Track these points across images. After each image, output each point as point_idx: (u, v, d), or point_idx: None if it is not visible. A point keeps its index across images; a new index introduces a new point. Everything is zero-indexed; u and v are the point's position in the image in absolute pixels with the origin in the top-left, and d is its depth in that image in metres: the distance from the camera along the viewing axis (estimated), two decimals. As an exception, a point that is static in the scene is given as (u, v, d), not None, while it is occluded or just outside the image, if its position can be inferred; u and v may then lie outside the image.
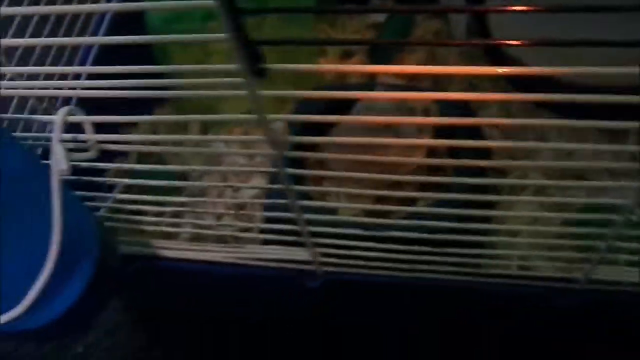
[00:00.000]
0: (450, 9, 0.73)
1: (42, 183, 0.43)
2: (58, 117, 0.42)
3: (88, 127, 0.44)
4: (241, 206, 0.68)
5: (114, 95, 0.40)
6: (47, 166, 0.44)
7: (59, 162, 0.40)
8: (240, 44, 0.32)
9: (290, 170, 0.42)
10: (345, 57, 0.76)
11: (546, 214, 0.58)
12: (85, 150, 0.45)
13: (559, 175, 0.64)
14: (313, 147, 0.49)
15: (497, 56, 0.66)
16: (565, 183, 0.52)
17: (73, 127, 0.43)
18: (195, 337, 0.71)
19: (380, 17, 0.79)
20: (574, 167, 0.63)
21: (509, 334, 0.61)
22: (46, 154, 0.54)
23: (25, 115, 0.46)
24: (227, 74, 0.36)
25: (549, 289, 0.50)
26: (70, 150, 0.43)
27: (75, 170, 0.44)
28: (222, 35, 0.32)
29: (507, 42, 0.42)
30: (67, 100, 0.65)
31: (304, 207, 0.47)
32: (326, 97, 0.38)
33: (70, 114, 0.43)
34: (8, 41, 0.46)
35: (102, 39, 0.62)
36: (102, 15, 0.72)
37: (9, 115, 0.48)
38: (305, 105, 0.64)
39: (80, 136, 0.43)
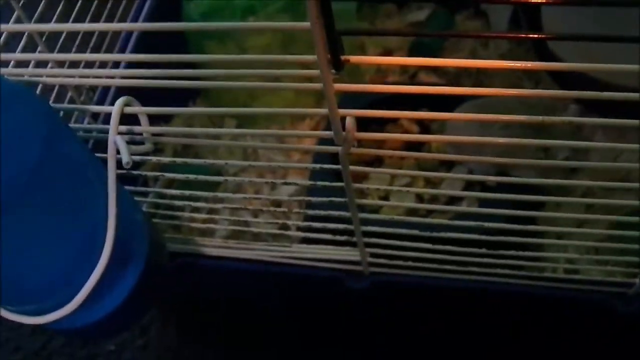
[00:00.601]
0: (492, 0, 0.71)
1: (97, 176, 0.42)
2: (115, 108, 0.41)
3: (143, 119, 0.43)
4: (279, 204, 0.67)
5: (163, 85, 0.39)
6: (98, 158, 0.43)
7: (122, 154, 0.38)
8: (326, 33, 0.30)
9: (356, 169, 0.41)
10: (385, 54, 0.75)
11: (595, 216, 0.57)
12: (136, 142, 0.44)
13: (608, 179, 0.62)
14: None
15: (549, 60, 0.65)
16: (610, 184, 0.51)
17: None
18: (230, 336, 0.70)
19: (421, 16, 0.78)
20: (621, 168, 0.61)
21: (564, 339, 0.59)
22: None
23: (81, 106, 0.45)
24: (300, 66, 0.35)
25: (608, 294, 0.49)
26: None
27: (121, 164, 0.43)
28: (306, 24, 0.31)
29: (548, 35, 0.41)
30: (104, 92, 0.64)
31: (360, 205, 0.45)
32: (393, 92, 0.37)
33: (127, 104, 0.41)
34: (51, 26, 0.45)
35: (143, 26, 0.61)
36: (137, 17, 0.72)
37: (64, 105, 0.47)
38: (348, 102, 0.63)
39: (136, 128, 0.42)
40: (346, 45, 0.32)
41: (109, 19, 0.66)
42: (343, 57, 0.32)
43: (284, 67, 0.36)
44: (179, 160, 0.45)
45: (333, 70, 0.33)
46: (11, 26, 0.45)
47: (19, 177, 0.35)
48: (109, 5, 0.66)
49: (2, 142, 0.34)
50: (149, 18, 0.72)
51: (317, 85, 0.35)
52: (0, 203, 0.34)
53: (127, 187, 0.50)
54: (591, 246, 0.57)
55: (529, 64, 0.33)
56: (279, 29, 0.35)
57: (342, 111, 0.36)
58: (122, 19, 0.70)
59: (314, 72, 0.33)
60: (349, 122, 0.37)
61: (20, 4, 0.53)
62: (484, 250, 0.49)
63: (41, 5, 0.53)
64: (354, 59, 0.33)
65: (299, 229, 0.56)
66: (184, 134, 0.44)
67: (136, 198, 0.53)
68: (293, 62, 0.34)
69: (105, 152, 0.41)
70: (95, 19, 0.62)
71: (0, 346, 0.74)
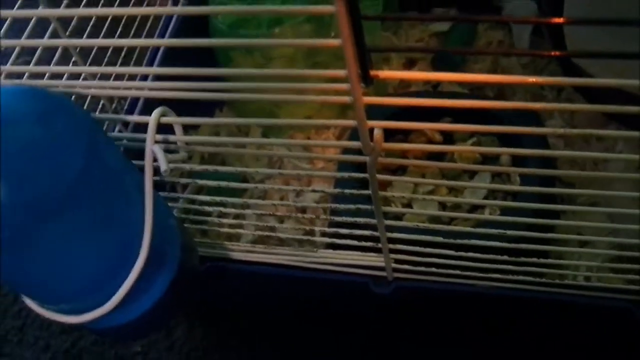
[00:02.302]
0: (515, 20, 0.73)
1: (134, 183, 0.44)
2: (152, 118, 0.43)
3: (178, 129, 0.45)
4: (304, 210, 0.68)
5: (192, 97, 0.40)
6: (135, 165, 0.45)
7: (161, 162, 0.40)
8: (357, 49, 0.32)
9: (382, 177, 0.42)
10: (408, 65, 0.77)
11: (618, 225, 0.58)
12: (169, 151, 0.46)
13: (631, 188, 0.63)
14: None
15: (574, 73, 0.66)
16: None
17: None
18: (255, 339, 0.71)
19: (444, 27, 0.79)
20: None
21: (584, 346, 0.60)
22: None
23: (117, 116, 0.47)
24: (330, 79, 0.36)
25: (629, 301, 0.50)
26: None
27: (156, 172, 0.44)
28: (337, 40, 0.32)
29: (566, 53, 0.42)
30: (134, 102, 0.66)
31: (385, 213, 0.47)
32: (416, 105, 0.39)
33: (163, 114, 0.43)
34: (83, 41, 0.47)
35: (171, 41, 0.63)
36: (167, 25, 0.74)
37: (105, 115, 0.49)
38: (372, 111, 0.64)
39: (171, 137, 0.44)
40: (373, 58, 0.33)
41: (140, 28, 0.69)
42: (372, 73, 0.34)
43: (313, 79, 0.37)
44: (210, 168, 0.47)
45: (362, 84, 0.35)
46: (48, 41, 0.48)
47: (62, 184, 0.37)
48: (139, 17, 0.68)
49: (48, 151, 0.36)
50: (178, 25, 0.74)
51: (345, 99, 0.36)
52: (46, 210, 0.36)
53: (160, 193, 0.52)
54: (613, 255, 0.58)
55: (544, 79, 0.34)
56: (310, 46, 0.37)
57: (371, 123, 0.38)
58: (153, 25, 0.72)
59: (344, 86, 0.35)
60: (377, 133, 0.38)
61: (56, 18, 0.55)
62: (505, 258, 0.50)
63: (74, 20, 0.55)
64: (383, 74, 0.34)
65: (324, 234, 0.58)
66: (215, 143, 0.46)
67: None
68: (322, 76, 0.36)
69: (135, 159, 0.43)
70: (127, 27, 0.65)
71: (30, 345, 0.76)
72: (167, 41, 0.67)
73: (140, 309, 0.46)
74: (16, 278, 0.41)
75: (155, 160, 0.42)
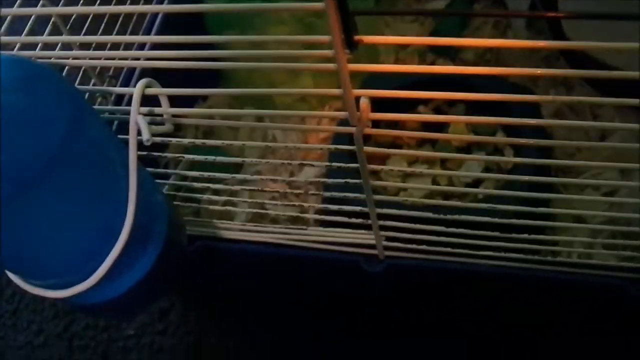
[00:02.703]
0: (510, 14, 0.72)
1: (118, 155, 0.43)
2: (136, 89, 0.42)
3: (164, 100, 0.44)
4: (297, 187, 0.67)
5: (185, 66, 0.40)
6: (120, 140, 0.45)
7: (143, 132, 0.39)
8: (340, 14, 0.31)
9: (371, 149, 0.41)
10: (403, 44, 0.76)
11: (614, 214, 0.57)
12: (157, 124, 0.45)
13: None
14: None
15: (578, 60, 0.65)
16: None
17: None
18: (248, 320, 0.71)
19: (440, 5, 0.79)
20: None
21: (579, 323, 0.60)
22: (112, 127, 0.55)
23: (104, 88, 0.46)
24: (314, 46, 0.35)
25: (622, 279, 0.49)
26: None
27: (143, 146, 0.44)
28: (320, 4, 0.31)
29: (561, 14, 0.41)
30: (128, 75, 0.65)
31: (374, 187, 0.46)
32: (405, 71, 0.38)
33: (147, 86, 0.43)
34: (76, 9, 0.47)
35: (167, 7, 0.62)
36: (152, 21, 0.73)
37: (89, 87, 0.48)
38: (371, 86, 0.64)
39: (157, 109, 0.43)
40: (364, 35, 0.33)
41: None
42: (357, 37, 0.33)
43: (299, 45, 0.37)
44: (198, 141, 0.47)
45: (347, 51, 0.34)
46: (38, 10, 0.47)
47: (43, 154, 0.36)
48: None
49: (30, 119, 0.35)
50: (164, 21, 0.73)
51: (331, 66, 0.35)
52: (27, 179, 0.35)
53: (148, 169, 0.51)
54: (606, 230, 0.58)
55: (541, 43, 0.34)
56: (293, 9, 0.36)
57: (356, 91, 0.37)
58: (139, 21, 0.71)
59: (328, 52, 0.34)
60: (363, 102, 0.38)
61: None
62: (497, 234, 0.49)
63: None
64: (368, 38, 0.33)
65: (316, 211, 0.57)
66: (203, 115, 0.45)
67: (157, 180, 0.55)
68: (308, 43, 0.35)
69: (122, 134, 0.42)
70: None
71: (23, 329, 0.76)
72: (165, 7, 0.65)
73: (126, 284, 0.46)
74: (-2, 250, 0.40)
75: (140, 133, 0.42)
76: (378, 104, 0.39)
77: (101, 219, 0.42)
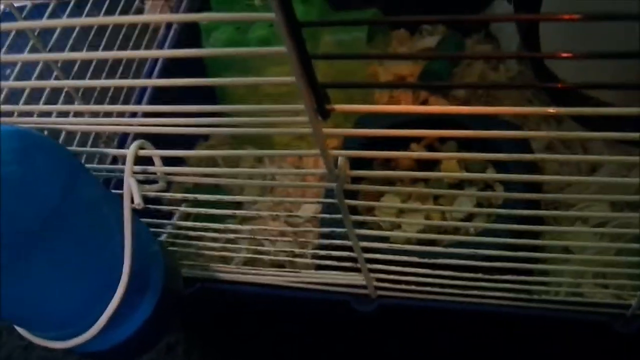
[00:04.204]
0: (498, 19, 0.73)
1: (113, 212, 0.45)
2: (130, 151, 0.44)
3: (157, 160, 0.46)
4: (294, 232, 0.69)
5: (178, 132, 0.42)
6: (116, 195, 0.47)
7: (134, 195, 0.42)
8: (308, 86, 0.33)
9: (350, 202, 0.43)
10: (397, 80, 0.77)
11: (603, 244, 0.59)
12: (151, 181, 0.47)
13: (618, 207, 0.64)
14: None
15: (547, 78, 0.67)
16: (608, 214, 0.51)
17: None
18: (250, 356, 0.72)
19: (432, 42, 0.80)
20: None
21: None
22: (110, 183, 0.57)
23: (100, 149, 0.49)
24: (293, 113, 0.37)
25: (608, 315, 0.50)
26: (140, 182, 0.45)
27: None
28: (290, 78, 0.34)
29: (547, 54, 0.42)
30: (124, 137, 0.68)
31: (360, 235, 0.48)
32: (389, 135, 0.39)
33: (141, 147, 0.45)
34: (73, 82, 0.49)
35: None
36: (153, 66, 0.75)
37: (86, 149, 0.51)
38: (351, 141, 0.66)
39: (150, 168, 0.45)
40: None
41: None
42: (328, 107, 0.35)
43: (279, 114, 0.39)
44: (190, 196, 0.49)
45: (319, 118, 0.36)
46: (51, 82, 0.49)
47: (38, 218, 0.38)
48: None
49: (25, 189, 0.37)
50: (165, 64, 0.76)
51: (308, 130, 0.37)
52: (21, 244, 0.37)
53: (145, 220, 0.54)
54: (595, 271, 0.59)
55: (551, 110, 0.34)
56: (267, 83, 0.38)
57: (334, 152, 0.39)
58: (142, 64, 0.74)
59: (303, 119, 0.36)
60: (341, 161, 0.40)
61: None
62: (486, 276, 0.51)
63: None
64: (339, 108, 0.35)
65: (313, 249, 0.59)
66: (195, 173, 0.47)
67: (156, 229, 0.57)
68: (285, 111, 0.37)
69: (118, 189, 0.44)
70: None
71: (35, 365, 0.78)
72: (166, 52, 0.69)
73: (126, 332, 0.48)
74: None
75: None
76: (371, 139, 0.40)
77: (98, 274, 0.45)
